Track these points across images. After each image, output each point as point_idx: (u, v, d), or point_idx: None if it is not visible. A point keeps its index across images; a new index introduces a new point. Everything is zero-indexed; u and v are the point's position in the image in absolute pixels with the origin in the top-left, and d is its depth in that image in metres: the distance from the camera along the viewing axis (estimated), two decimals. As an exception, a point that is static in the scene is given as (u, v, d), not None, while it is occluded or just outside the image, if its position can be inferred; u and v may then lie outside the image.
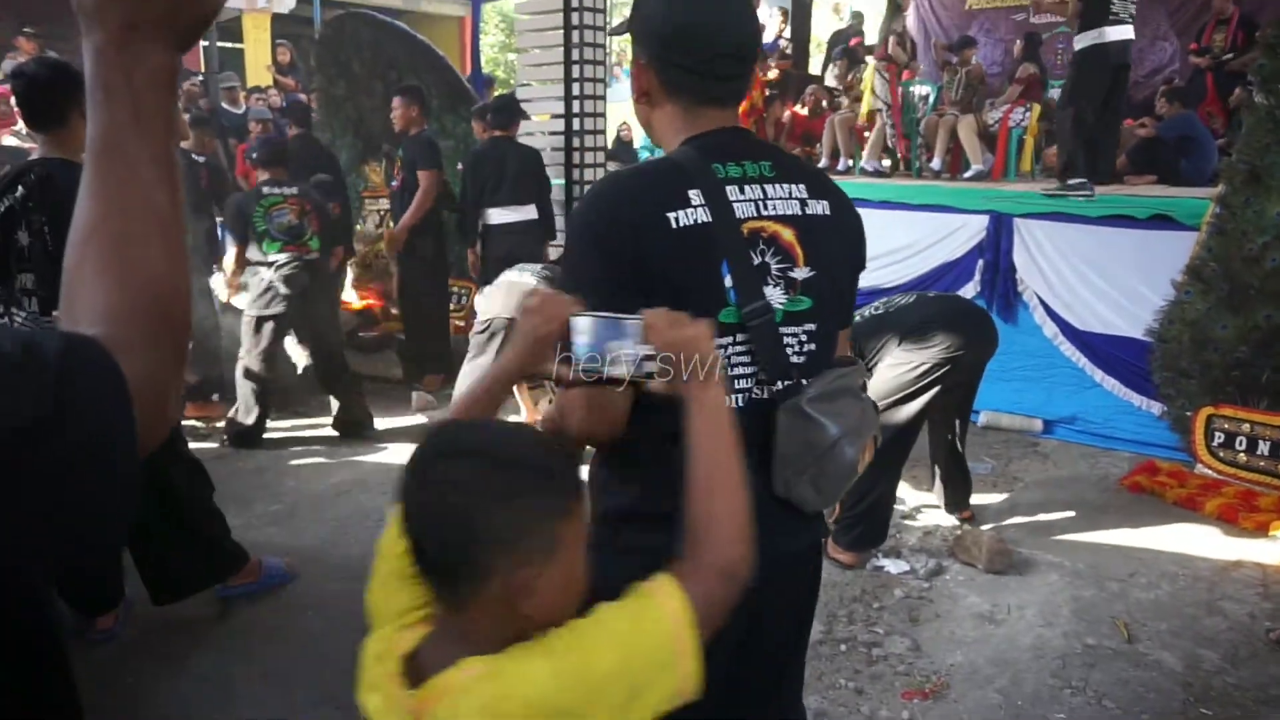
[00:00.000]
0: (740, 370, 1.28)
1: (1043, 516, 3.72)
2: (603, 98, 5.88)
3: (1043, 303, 4.64)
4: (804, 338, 1.30)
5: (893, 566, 3.28)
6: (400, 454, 4.37)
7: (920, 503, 3.81)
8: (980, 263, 4.83)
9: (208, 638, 2.81)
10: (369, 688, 0.83)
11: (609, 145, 6.73)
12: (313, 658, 2.66)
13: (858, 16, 9.89)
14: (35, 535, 0.47)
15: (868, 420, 1.33)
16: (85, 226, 0.58)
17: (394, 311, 6.04)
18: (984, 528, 3.55)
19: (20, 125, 5.56)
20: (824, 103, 8.13)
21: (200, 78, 9.32)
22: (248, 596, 2.98)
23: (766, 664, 1.40)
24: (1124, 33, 4.84)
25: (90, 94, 0.60)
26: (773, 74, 8.44)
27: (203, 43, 11.98)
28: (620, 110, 9.39)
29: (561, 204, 5.66)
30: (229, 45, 11.62)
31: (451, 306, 5.97)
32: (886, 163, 7.22)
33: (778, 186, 1.28)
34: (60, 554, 0.49)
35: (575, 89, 5.68)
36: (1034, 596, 3.06)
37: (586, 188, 5.82)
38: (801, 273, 1.28)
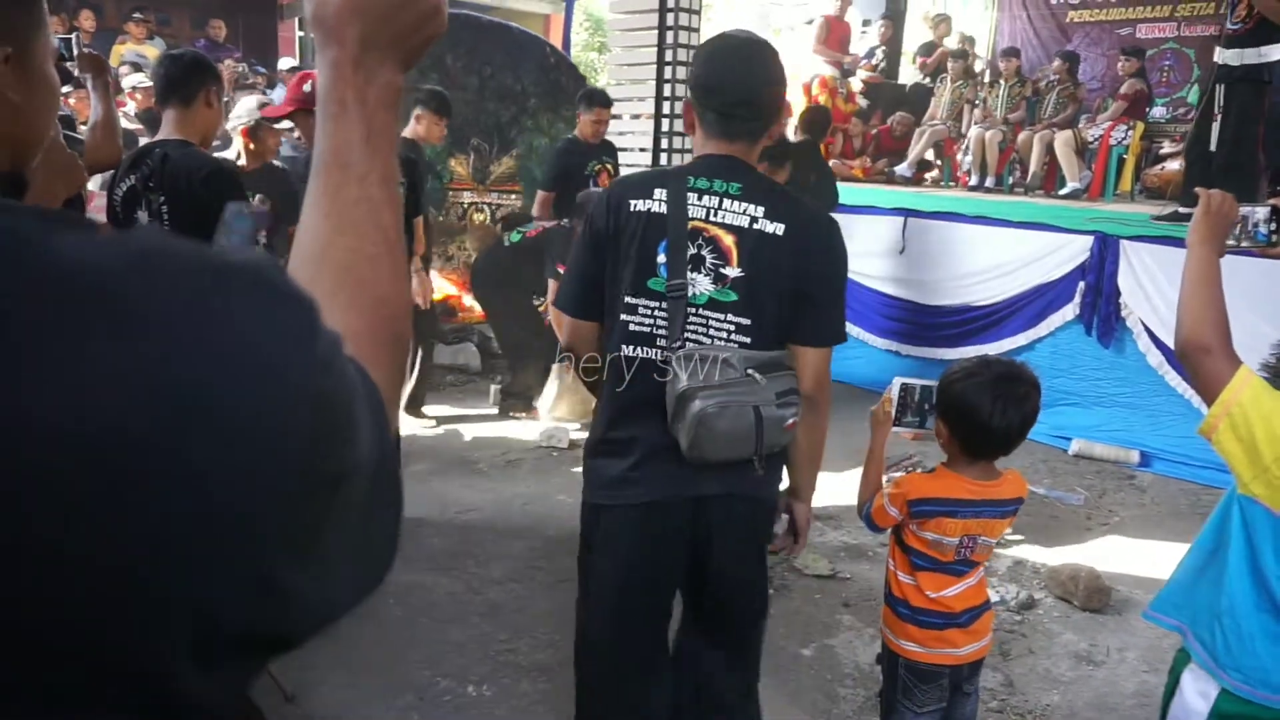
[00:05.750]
0: (660, 331, 1.67)
1: (1142, 555, 3.54)
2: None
3: (1148, 330, 4.43)
4: (732, 327, 1.65)
5: (982, 596, 3.16)
6: (478, 447, 4.38)
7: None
8: (1081, 285, 4.64)
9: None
10: None
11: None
12: (393, 646, 2.67)
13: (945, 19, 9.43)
14: (359, 570, 0.45)
15: (737, 387, 1.56)
16: (318, 243, 0.58)
17: (466, 303, 6.04)
18: (1078, 562, 3.40)
19: (129, 107, 5.76)
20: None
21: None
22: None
23: (708, 582, 1.81)
24: None
25: (323, 108, 0.59)
26: (858, 85, 8.28)
27: (298, 33, 12.34)
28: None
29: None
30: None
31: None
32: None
33: (736, 203, 1.64)
34: (367, 585, 0.46)
35: (667, 90, 5.65)
36: (1136, 639, 2.90)
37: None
38: (732, 271, 1.64)
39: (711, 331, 1.65)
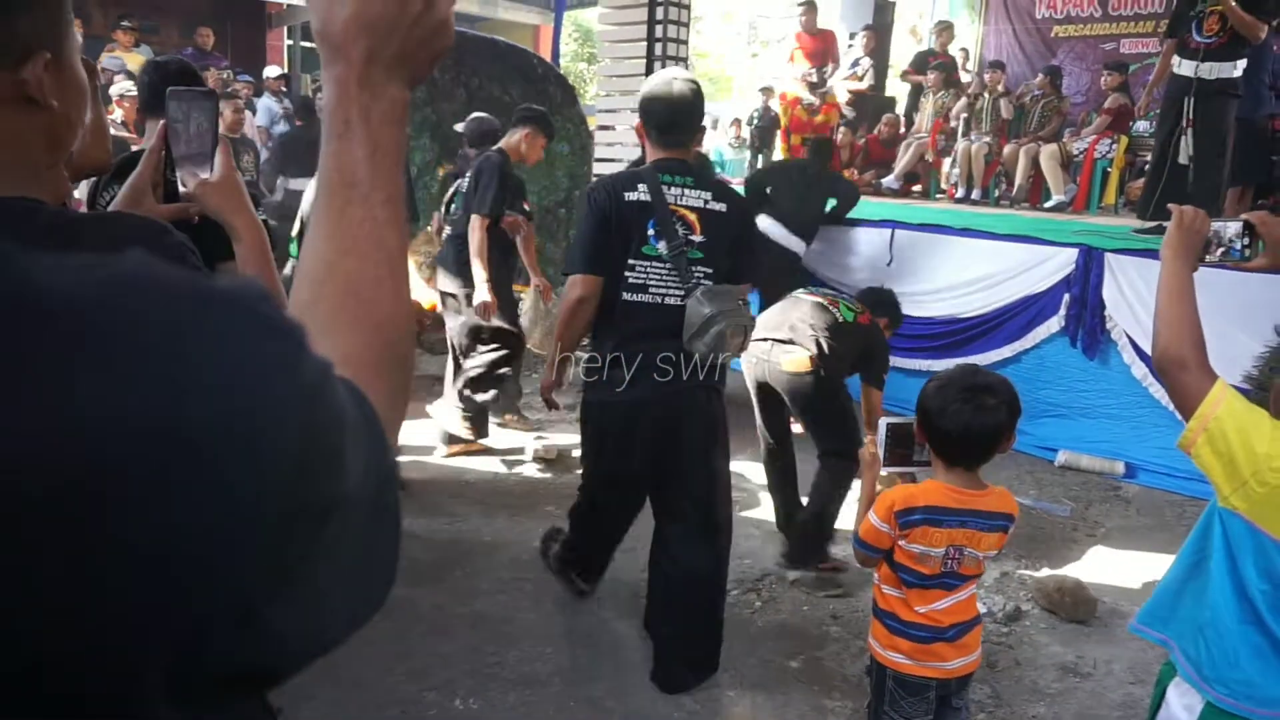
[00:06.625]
0: (657, 281, 2.43)
1: (1127, 567, 3.55)
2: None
3: (1132, 342, 4.46)
4: (702, 274, 2.44)
5: (970, 608, 3.16)
6: (464, 457, 4.36)
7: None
8: (1066, 297, 4.67)
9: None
10: None
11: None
12: (380, 659, 2.64)
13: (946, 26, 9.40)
14: (363, 595, 0.45)
15: (737, 312, 2.40)
16: (321, 264, 0.57)
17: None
18: (1064, 573, 3.41)
19: (116, 115, 5.73)
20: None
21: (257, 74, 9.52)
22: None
23: (686, 456, 2.55)
24: None
25: (328, 126, 0.58)
26: (844, 95, 8.33)
27: (286, 41, 12.33)
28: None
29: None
30: (311, 45, 11.88)
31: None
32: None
33: (691, 190, 2.46)
34: (361, 615, 0.45)
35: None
36: (1122, 651, 2.91)
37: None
38: (697, 238, 2.45)
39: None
